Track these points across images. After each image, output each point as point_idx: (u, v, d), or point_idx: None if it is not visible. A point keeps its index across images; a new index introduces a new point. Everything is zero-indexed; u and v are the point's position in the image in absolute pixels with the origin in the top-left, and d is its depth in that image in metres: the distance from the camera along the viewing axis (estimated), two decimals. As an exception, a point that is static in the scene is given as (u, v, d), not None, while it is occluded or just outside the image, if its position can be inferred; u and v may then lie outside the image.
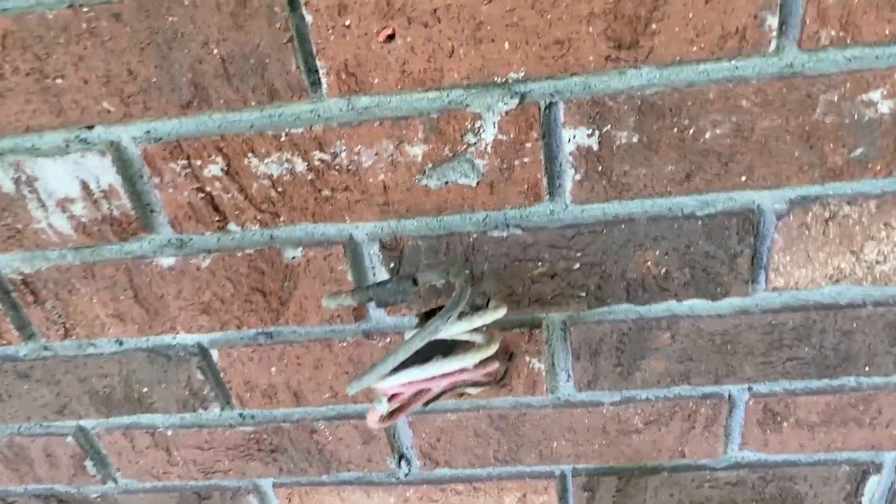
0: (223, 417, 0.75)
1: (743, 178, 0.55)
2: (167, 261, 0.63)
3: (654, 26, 0.49)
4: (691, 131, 0.53)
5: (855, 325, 0.62)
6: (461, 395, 0.69)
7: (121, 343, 0.70)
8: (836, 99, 0.51)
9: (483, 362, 0.61)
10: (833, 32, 0.48)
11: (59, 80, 0.54)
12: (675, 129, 0.53)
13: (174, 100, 0.54)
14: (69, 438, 0.78)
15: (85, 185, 0.59)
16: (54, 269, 0.64)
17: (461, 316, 0.58)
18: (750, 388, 0.68)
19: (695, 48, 0.49)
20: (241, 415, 0.75)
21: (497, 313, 0.56)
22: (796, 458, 0.72)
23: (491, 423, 0.72)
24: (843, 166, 0.54)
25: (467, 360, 0.54)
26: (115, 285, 0.65)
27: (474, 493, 0.79)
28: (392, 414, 0.61)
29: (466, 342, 0.59)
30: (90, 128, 0.57)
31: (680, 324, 0.63)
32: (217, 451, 0.77)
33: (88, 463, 0.80)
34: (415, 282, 0.54)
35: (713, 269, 0.60)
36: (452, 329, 0.55)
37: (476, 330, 0.59)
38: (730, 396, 0.68)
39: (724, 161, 0.54)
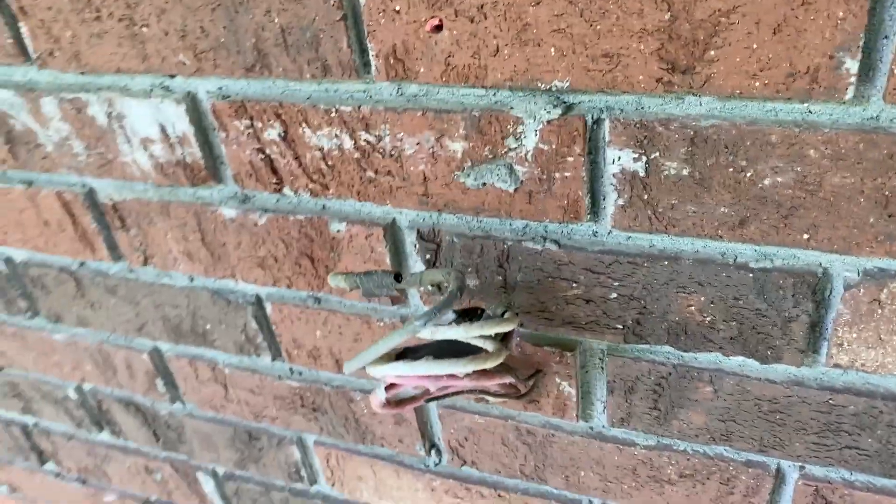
0: (274, 367, 0.78)
1: (805, 237, 0.48)
2: (230, 212, 0.66)
3: (712, 52, 0.43)
4: (748, 174, 0.47)
5: (932, 427, 0.53)
6: (479, 400, 0.67)
7: (192, 279, 0.74)
8: (925, 165, 0.43)
9: (495, 374, 0.59)
10: (927, 87, 0.41)
11: (144, 29, 0.58)
12: (731, 169, 0.47)
13: (239, 62, 0.56)
14: (144, 356, 0.85)
15: (163, 129, 0.63)
16: (137, 202, 0.70)
17: (465, 321, 0.57)
18: (802, 468, 0.60)
19: (757, 83, 0.44)
20: (290, 369, 0.78)
21: (504, 326, 0.53)
22: (850, 557, 0.64)
23: (518, 436, 0.70)
24: (930, 244, 0.46)
25: (458, 366, 0.52)
26: (186, 226, 0.69)
27: (499, 501, 0.77)
28: (399, 403, 0.60)
29: (480, 349, 0.57)
30: (172, 77, 0.60)
31: (725, 380, 0.58)
32: (266, 397, 0.81)
33: (159, 381, 0.87)
34: (397, 278, 0.53)
35: (763, 329, 0.53)
36: (450, 333, 0.53)
37: (490, 339, 0.57)
38: (778, 470, 0.61)
39: (784, 214, 0.48)
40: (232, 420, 0.87)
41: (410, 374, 0.52)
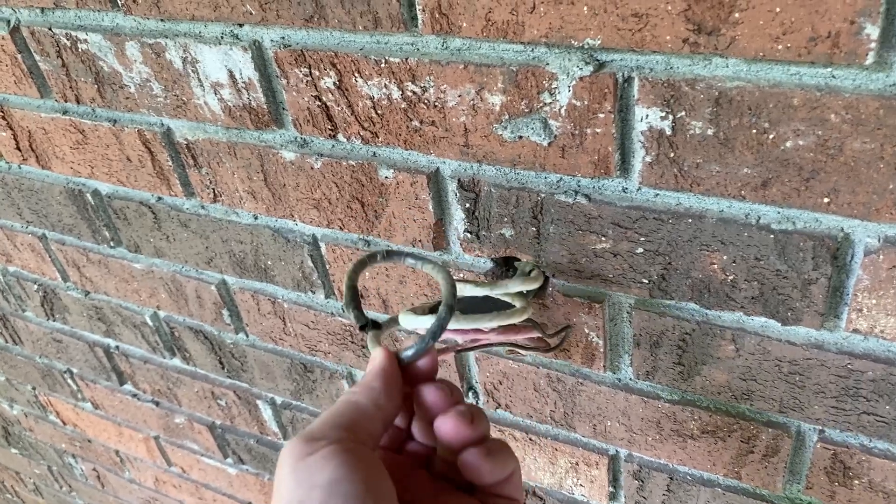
0: (328, 305, 0.84)
1: (826, 200, 0.49)
2: (289, 155, 0.71)
3: (737, 15, 0.45)
4: (770, 136, 0.48)
5: (949, 397, 0.54)
6: (511, 352, 0.71)
7: (256, 217, 0.80)
8: (945, 133, 0.43)
9: (522, 329, 0.62)
10: (948, 55, 0.41)
11: (216, -20, 0.62)
12: (754, 131, 0.49)
13: (300, 12, 0.60)
14: (213, 287, 0.92)
15: (231, 75, 0.68)
16: (208, 142, 0.76)
17: (497, 279, 0.60)
18: (822, 431, 0.62)
19: (780, 47, 0.45)
20: (342, 307, 0.83)
21: (528, 284, 0.56)
22: (867, 523, 0.65)
23: (549, 383, 0.73)
24: (950, 213, 0.46)
25: (483, 321, 0.55)
26: (251, 166, 0.74)
27: (530, 445, 0.81)
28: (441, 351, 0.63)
29: (509, 304, 0.60)
30: (241, 25, 0.65)
31: (746, 339, 0.59)
32: (320, 332, 0.87)
33: (225, 312, 0.94)
34: (363, 328, 0.53)
35: (784, 290, 0.55)
36: (476, 291, 0.56)
37: (519, 295, 0.60)
38: (798, 433, 0.63)
39: (806, 177, 0.49)
40: (289, 352, 0.93)
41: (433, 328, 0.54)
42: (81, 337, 1.21)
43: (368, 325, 0.48)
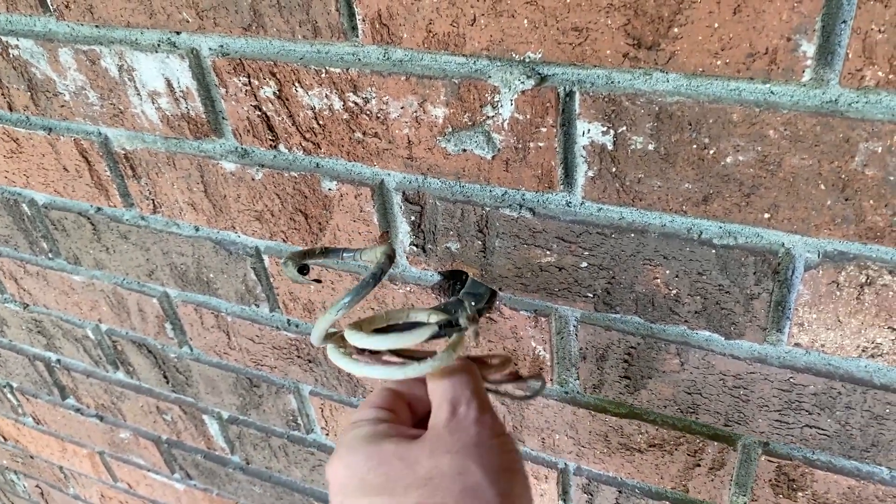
0: (272, 318, 0.82)
1: (766, 216, 0.49)
2: (230, 166, 0.69)
3: (676, 30, 0.44)
4: (711, 152, 0.48)
5: (888, 410, 0.54)
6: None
7: (197, 229, 0.78)
8: (879, 150, 0.43)
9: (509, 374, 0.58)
10: (881, 73, 0.41)
11: (150, -14, 0.60)
12: (694, 146, 0.48)
13: (237, 20, 0.59)
14: (154, 300, 0.89)
15: (169, 83, 0.66)
16: (146, 152, 0.73)
17: (444, 287, 0.59)
18: (766, 444, 0.62)
19: (719, 62, 0.44)
20: (287, 321, 0.81)
21: (416, 337, 0.48)
22: (811, 535, 0.65)
23: (497, 396, 0.72)
24: (886, 229, 0.46)
25: (393, 372, 0.50)
26: (190, 177, 0.72)
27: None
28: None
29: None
30: (178, 33, 0.63)
31: (691, 353, 0.59)
32: (265, 346, 0.85)
33: (168, 325, 0.91)
34: (302, 270, 0.53)
35: (727, 305, 0.54)
36: (374, 342, 0.49)
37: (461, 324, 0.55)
38: (744, 446, 0.63)
39: (746, 192, 0.49)
40: (234, 366, 0.91)
41: (346, 369, 0.51)
42: (21, 350, 1.17)
43: (306, 268, 0.50)
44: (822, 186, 0.46)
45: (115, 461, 1.27)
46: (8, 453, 1.50)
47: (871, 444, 0.57)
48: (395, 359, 0.51)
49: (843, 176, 0.45)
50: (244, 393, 0.93)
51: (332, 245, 0.69)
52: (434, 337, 0.50)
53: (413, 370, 0.49)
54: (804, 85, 0.44)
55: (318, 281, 0.54)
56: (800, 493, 0.63)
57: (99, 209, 0.84)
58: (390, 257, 0.51)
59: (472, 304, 0.61)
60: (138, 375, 1.04)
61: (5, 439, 1.45)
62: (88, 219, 0.85)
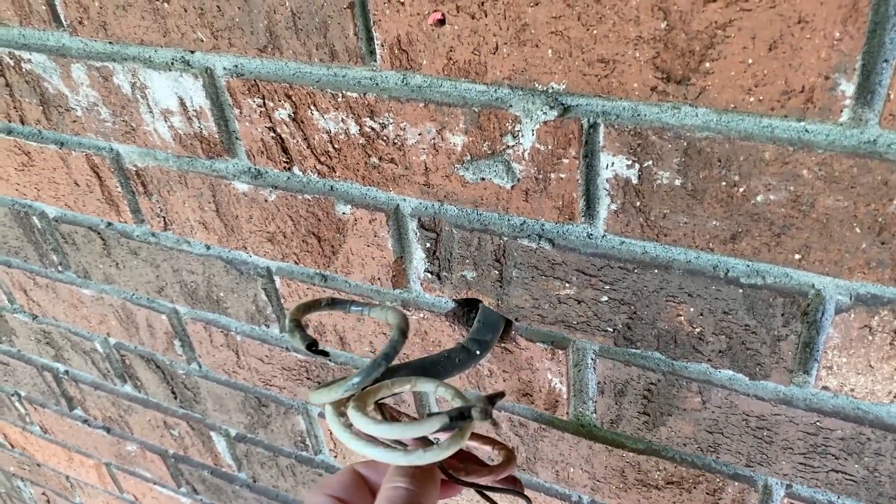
0: (282, 339, 0.80)
1: (797, 257, 0.47)
2: (242, 186, 0.68)
3: (707, 65, 0.43)
4: (741, 189, 0.46)
5: (920, 459, 0.52)
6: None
7: (208, 248, 0.77)
8: (920, 194, 0.42)
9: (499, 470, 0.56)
10: (924, 115, 0.39)
11: (165, 5, 0.59)
12: (724, 183, 0.47)
13: (253, 41, 0.57)
14: (164, 317, 0.88)
15: (182, 102, 0.65)
16: (158, 169, 0.72)
17: (458, 322, 0.57)
18: (789, 486, 0.60)
19: (752, 99, 0.43)
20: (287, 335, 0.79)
21: (426, 427, 0.44)
22: (834, 579, 0.63)
23: (511, 427, 0.71)
24: (924, 275, 0.44)
25: (400, 432, 0.46)
26: (202, 196, 0.71)
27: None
28: None
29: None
30: (192, 52, 0.62)
31: (713, 392, 0.57)
32: (274, 367, 0.83)
33: (177, 342, 0.90)
34: (311, 347, 0.50)
35: (752, 345, 0.53)
36: (377, 430, 0.45)
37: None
38: (766, 487, 0.61)
39: (777, 232, 0.47)
40: (243, 385, 0.89)
41: (344, 443, 0.49)
42: (30, 360, 1.16)
43: (315, 343, 0.48)
44: (858, 229, 0.44)
45: (122, 473, 1.26)
46: (15, 460, 1.49)
47: (901, 492, 0.54)
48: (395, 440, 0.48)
49: (881, 219, 0.43)
50: (252, 412, 0.92)
51: (345, 269, 0.68)
52: (443, 429, 0.46)
53: (417, 458, 0.46)
54: (841, 125, 0.42)
55: (326, 354, 0.51)
56: (823, 538, 0.61)
57: (109, 224, 0.82)
58: (404, 333, 0.48)
59: (481, 350, 0.59)
60: (146, 390, 1.02)
61: (12, 447, 1.45)
62: (99, 233, 0.84)
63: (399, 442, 0.46)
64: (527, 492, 0.75)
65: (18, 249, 0.94)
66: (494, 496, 0.58)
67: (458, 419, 0.44)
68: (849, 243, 0.45)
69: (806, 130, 0.43)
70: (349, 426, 0.46)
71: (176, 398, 0.99)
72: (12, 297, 1.04)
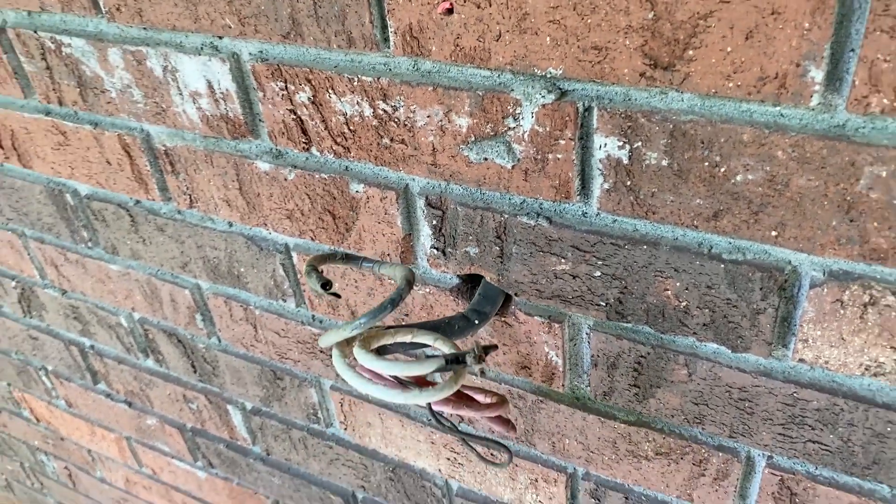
0: (298, 313, 0.85)
1: (773, 234, 0.51)
2: (264, 166, 0.72)
3: (691, 52, 0.47)
4: (722, 170, 0.50)
5: (890, 429, 0.55)
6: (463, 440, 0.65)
7: (230, 225, 0.81)
8: (884, 174, 0.45)
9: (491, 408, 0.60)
10: (886, 101, 0.43)
11: (197, -7, 0.64)
12: (706, 164, 0.50)
13: (277, 28, 0.62)
14: (187, 292, 0.93)
15: (210, 85, 0.70)
16: (185, 149, 0.77)
17: (460, 296, 0.61)
18: (770, 457, 0.63)
19: (731, 84, 0.46)
20: (312, 316, 0.84)
21: (422, 368, 0.51)
22: (813, 549, 0.66)
23: (511, 399, 0.75)
24: (889, 251, 0.48)
25: (399, 369, 0.51)
26: (226, 175, 0.76)
27: (492, 459, 0.82)
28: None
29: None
30: (220, 38, 0.66)
31: (699, 364, 0.61)
32: (290, 340, 0.88)
33: (198, 316, 0.95)
34: (325, 286, 0.55)
35: (734, 318, 0.56)
36: (389, 368, 0.51)
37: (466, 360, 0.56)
38: (748, 458, 0.64)
39: (755, 210, 0.50)
40: (260, 358, 0.94)
41: (368, 366, 0.53)
42: (58, 335, 1.21)
43: (329, 284, 0.52)
44: (828, 207, 0.48)
45: (141, 447, 1.32)
46: (40, 434, 1.55)
47: (873, 462, 0.58)
48: (395, 380, 0.53)
49: (849, 198, 0.47)
50: (268, 385, 0.96)
51: (357, 245, 0.72)
52: (439, 370, 0.51)
53: (414, 397, 0.51)
54: (812, 109, 0.46)
55: (338, 296, 0.56)
56: (802, 508, 0.64)
57: (138, 202, 0.87)
58: (410, 283, 0.54)
59: (480, 321, 0.64)
60: (167, 364, 1.07)
61: (38, 420, 1.51)
62: (127, 210, 0.89)
63: (399, 384, 0.51)
64: (524, 464, 0.79)
65: (52, 226, 1.00)
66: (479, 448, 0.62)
67: (454, 363, 0.48)
68: (820, 220, 0.49)
69: (781, 115, 0.47)
70: (353, 367, 0.50)
71: (195, 372, 1.04)
72: (44, 272, 1.09)
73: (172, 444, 1.22)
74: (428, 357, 0.50)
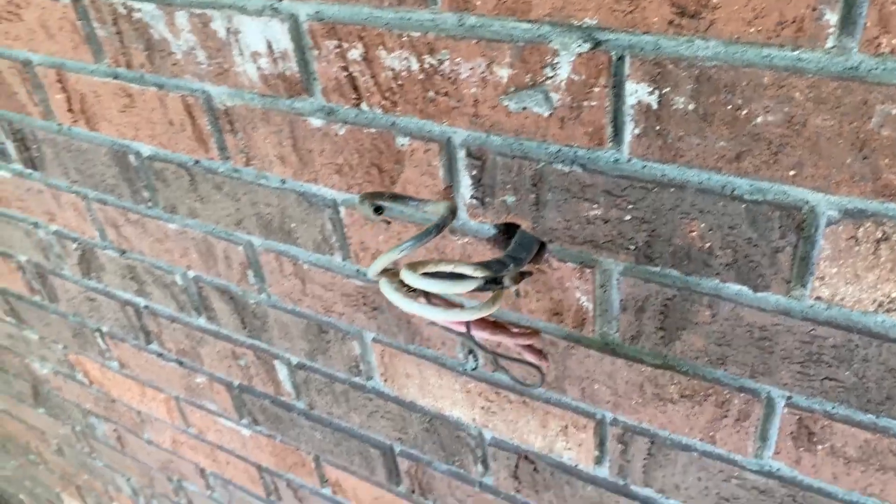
0: (344, 267, 0.90)
1: (792, 173, 0.55)
2: (317, 122, 0.78)
3: (715, 0, 0.51)
4: (744, 112, 0.54)
5: (902, 364, 0.59)
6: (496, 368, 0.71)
7: (283, 182, 0.87)
8: (894, 112, 0.49)
9: (523, 335, 0.66)
10: (895, 41, 0.47)
11: (261, -43, 0.69)
12: (729, 107, 0.54)
13: (333, -12, 0.67)
14: (240, 248, 0.99)
15: (269, 45, 0.75)
16: (244, 108, 0.83)
17: (499, 238, 0.66)
18: (789, 397, 0.67)
19: (752, 30, 0.51)
20: (357, 270, 0.89)
21: (465, 286, 0.57)
22: (830, 490, 0.70)
23: (544, 346, 0.79)
24: (900, 187, 0.51)
25: (443, 287, 0.58)
26: (281, 132, 0.81)
27: (523, 407, 0.86)
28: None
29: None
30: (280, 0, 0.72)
31: (721, 305, 0.65)
32: (336, 294, 0.93)
33: (250, 272, 1.01)
34: (377, 210, 0.60)
35: (754, 257, 0.60)
36: (430, 286, 0.57)
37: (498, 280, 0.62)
38: (768, 399, 0.68)
39: (774, 150, 0.54)
40: (307, 313, 1.00)
41: (394, 302, 0.59)
42: (114, 296, 1.29)
43: (381, 209, 0.57)
44: (843, 146, 0.52)
45: (189, 406, 1.38)
46: (92, 397, 1.63)
47: (886, 398, 0.61)
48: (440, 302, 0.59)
49: (862, 136, 0.51)
50: (313, 339, 1.02)
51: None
52: (478, 290, 0.57)
53: (455, 315, 0.57)
54: (828, 52, 0.49)
55: (388, 222, 0.62)
56: (819, 447, 0.68)
57: (197, 161, 0.94)
58: (453, 211, 0.59)
59: (515, 266, 0.68)
60: (219, 321, 1.14)
61: (91, 383, 1.59)
62: (187, 170, 0.95)
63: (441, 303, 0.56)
64: (555, 410, 0.84)
65: (114, 187, 1.07)
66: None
67: (493, 283, 0.53)
68: (836, 159, 0.53)
69: (798, 59, 0.51)
70: (399, 290, 0.56)
71: (245, 328, 1.10)
72: (104, 233, 1.17)
73: (220, 401, 1.29)
74: (468, 278, 0.55)
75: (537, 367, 0.66)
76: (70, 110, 1.01)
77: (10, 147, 1.17)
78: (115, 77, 0.92)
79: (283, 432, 1.23)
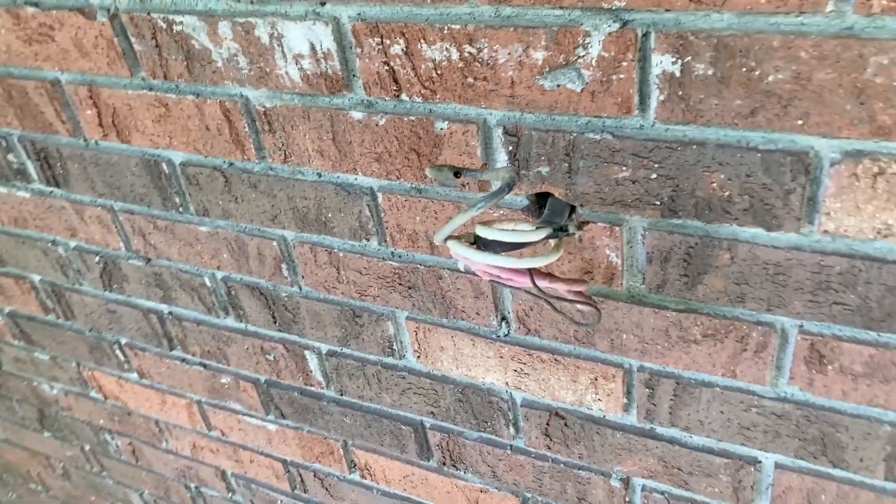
0: (379, 251, 0.97)
1: (799, 122, 0.64)
2: (357, 115, 0.85)
3: (730, -22, 0.60)
4: (757, 73, 0.63)
5: (899, 282, 0.69)
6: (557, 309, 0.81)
7: (320, 175, 0.94)
8: (886, 62, 0.59)
9: (570, 282, 0.75)
10: (885, 2, 0.57)
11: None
12: (744, 69, 0.64)
13: (377, -10, 0.75)
14: (274, 243, 1.05)
15: (312, 47, 0.83)
16: (284, 108, 0.90)
17: (535, 208, 0.74)
18: (801, 326, 0.76)
19: (762, 0, 0.60)
20: (392, 252, 0.97)
21: (534, 235, 0.69)
22: (840, 406, 0.79)
23: (574, 304, 0.87)
24: (893, 126, 0.61)
25: (517, 237, 0.67)
26: (321, 127, 0.89)
27: (555, 365, 0.95)
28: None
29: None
30: (322, 4, 0.80)
31: (739, 247, 0.74)
32: (371, 277, 1.01)
33: (284, 266, 1.07)
34: (457, 174, 0.70)
35: (769, 201, 0.70)
36: (501, 236, 0.68)
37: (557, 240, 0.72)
38: (782, 330, 0.77)
39: (784, 104, 0.64)
40: (340, 300, 1.07)
41: (465, 256, 0.68)
42: (137, 305, 1.33)
43: (461, 171, 0.65)
44: (843, 94, 0.61)
45: (212, 409, 1.43)
46: (106, 412, 1.66)
47: (887, 315, 0.71)
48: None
49: (859, 84, 0.61)
50: (346, 324, 1.09)
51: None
52: (549, 237, 0.66)
53: (527, 262, 0.65)
54: (827, 15, 0.59)
55: (465, 185, 0.71)
56: (829, 367, 0.77)
57: (231, 163, 1.00)
58: (517, 173, 0.67)
59: (579, 213, 0.77)
60: (248, 318, 1.20)
61: (106, 398, 1.62)
62: (222, 172, 1.02)
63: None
64: (585, 364, 0.92)
65: (144, 196, 1.12)
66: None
67: (560, 231, 0.61)
68: (837, 106, 0.62)
69: (802, 23, 0.60)
70: (468, 246, 0.64)
71: (275, 322, 1.17)
72: (129, 243, 1.22)
73: (245, 399, 1.34)
74: (537, 228, 0.64)
75: (593, 305, 0.75)
76: (100, 125, 1.07)
77: (31, 167, 1.22)
78: (150, 89, 0.98)
79: (310, 422, 1.29)
